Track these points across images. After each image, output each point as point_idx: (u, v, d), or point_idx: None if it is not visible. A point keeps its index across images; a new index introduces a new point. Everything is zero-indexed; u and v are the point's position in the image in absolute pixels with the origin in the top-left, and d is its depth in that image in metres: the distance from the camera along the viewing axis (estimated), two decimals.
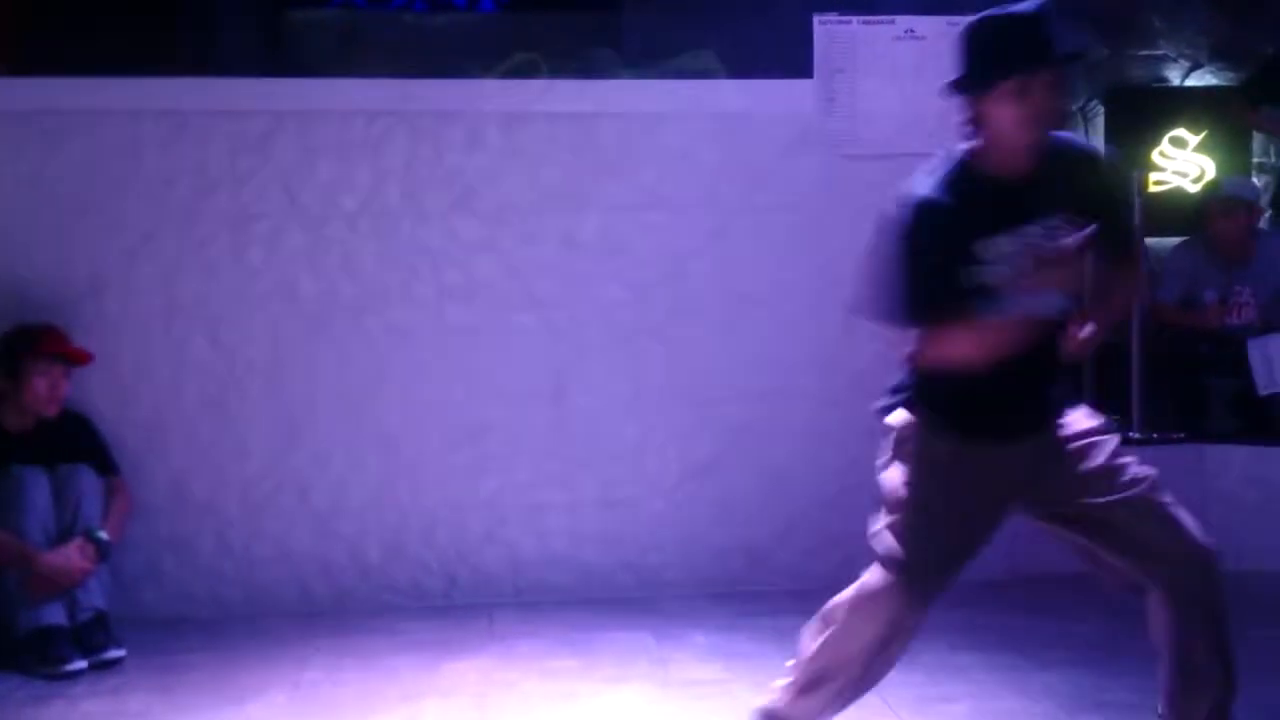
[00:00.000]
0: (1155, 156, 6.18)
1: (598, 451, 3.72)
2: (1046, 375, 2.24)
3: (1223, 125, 5.36)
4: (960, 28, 2.19)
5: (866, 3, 3.85)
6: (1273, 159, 4.59)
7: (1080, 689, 2.81)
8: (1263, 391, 4.13)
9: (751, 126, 3.76)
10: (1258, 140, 6.32)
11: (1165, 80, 6.59)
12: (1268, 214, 4.94)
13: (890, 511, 2.30)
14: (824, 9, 3.77)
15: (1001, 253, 2.10)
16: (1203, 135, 5.61)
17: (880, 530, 2.31)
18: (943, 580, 2.27)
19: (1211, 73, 6.55)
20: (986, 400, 2.19)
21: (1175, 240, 4.90)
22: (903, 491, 2.28)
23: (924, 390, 2.26)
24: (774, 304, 3.78)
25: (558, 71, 4.58)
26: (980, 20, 2.17)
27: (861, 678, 2.30)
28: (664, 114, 3.74)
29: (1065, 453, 2.22)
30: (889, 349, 2.27)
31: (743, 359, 3.76)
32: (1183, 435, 4.07)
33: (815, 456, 3.79)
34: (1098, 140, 6.49)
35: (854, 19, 3.77)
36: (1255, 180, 5.47)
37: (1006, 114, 2.08)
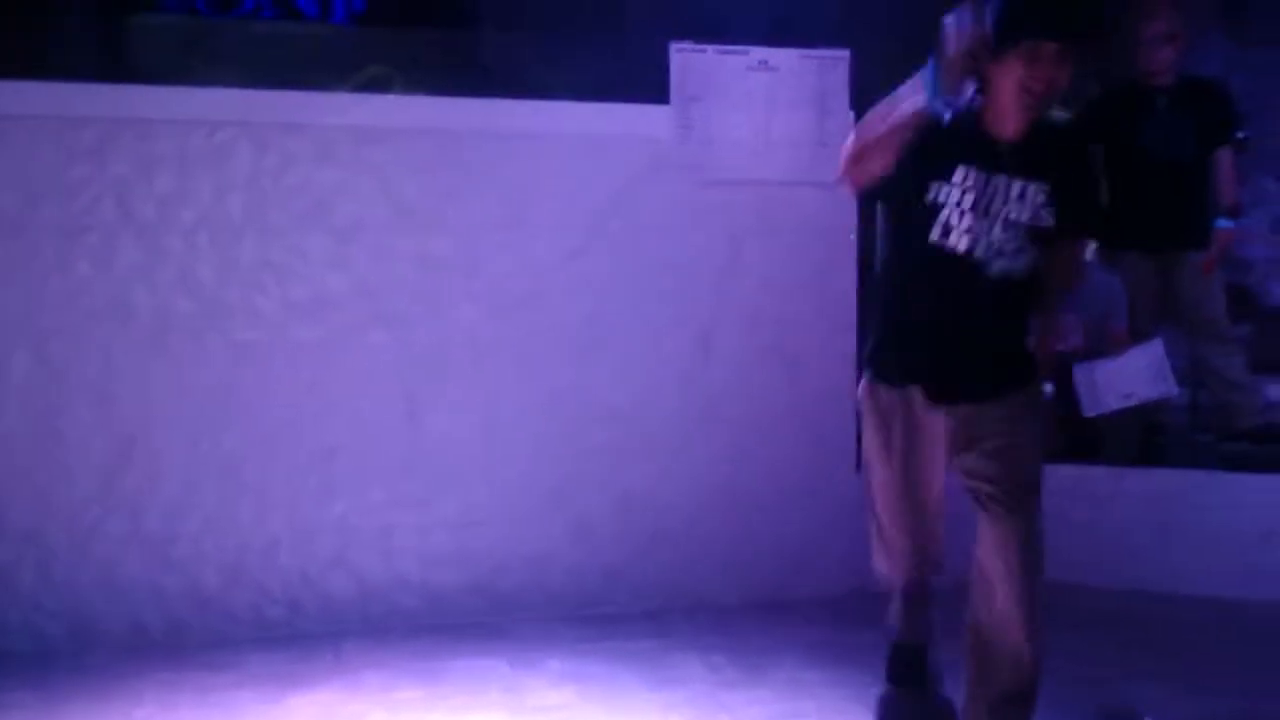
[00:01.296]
0: None
1: (451, 473, 3.65)
2: (974, 338, 2.48)
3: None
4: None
5: (722, 33, 3.92)
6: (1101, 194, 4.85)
7: None
8: (1087, 414, 4.35)
9: (609, 150, 3.78)
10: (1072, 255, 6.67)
11: None
12: (1094, 245, 5.20)
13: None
14: (681, 37, 3.82)
15: (962, 184, 2.37)
16: None
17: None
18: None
19: None
20: (909, 338, 2.52)
21: None
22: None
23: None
24: (631, 326, 3.79)
25: (412, 87, 4.51)
26: None
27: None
28: (521, 134, 3.72)
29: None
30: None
31: (599, 380, 3.76)
32: None
33: (671, 477, 3.81)
34: None
35: (710, 48, 3.83)
36: None
37: (1010, 79, 2.30)
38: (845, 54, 3.88)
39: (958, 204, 2.38)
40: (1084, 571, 4.04)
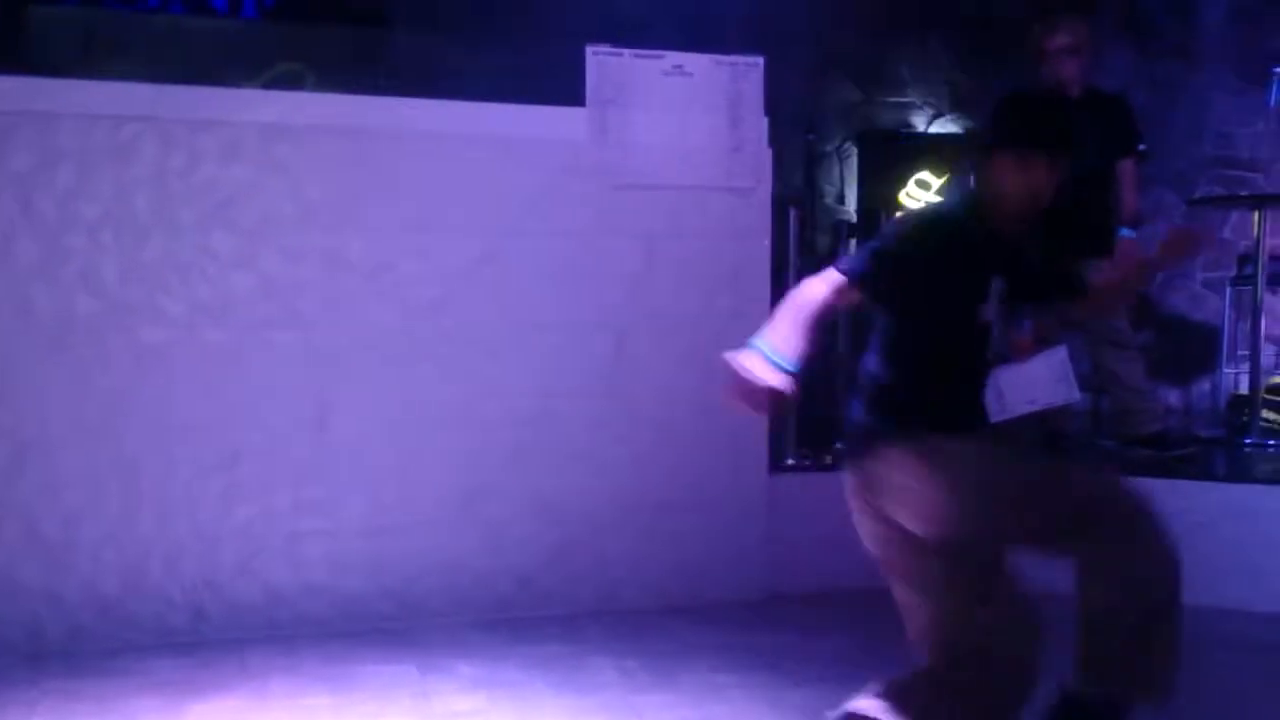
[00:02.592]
0: (902, 197, 6.57)
1: (362, 477, 3.61)
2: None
3: (962, 169, 5.75)
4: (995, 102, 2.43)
5: (638, 37, 3.93)
6: None
7: (831, 704, 2.89)
8: (994, 420, 4.43)
9: (523, 152, 3.76)
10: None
11: (912, 126, 7.04)
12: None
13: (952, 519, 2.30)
14: (597, 40, 3.82)
15: (997, 295, 2.37)
16: (945, 178, 6.02)
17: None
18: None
19: (952, 120, 7.05)
20: (949, 401, 2.48)
21: None
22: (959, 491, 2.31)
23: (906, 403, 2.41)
24: (545, 329, 3.78)
25: (324, 85, 4.45)
26: (1010, 93, 2.45)
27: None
28: (434, 134, 3.68)
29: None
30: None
31: (513, 383, 3.74)
32: None
33: (586, 481, 3.80)
34: (851, 179, 6.86)
35: (626, 52, 3.84)
36: None
37: (1002, 179, 2.31)
38: (759, 61, 3.91)
39: (998, 314, 2.42)
40: None
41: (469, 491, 3.70)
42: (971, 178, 2.42)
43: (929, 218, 2.44)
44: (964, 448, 2.36)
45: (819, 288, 2.26)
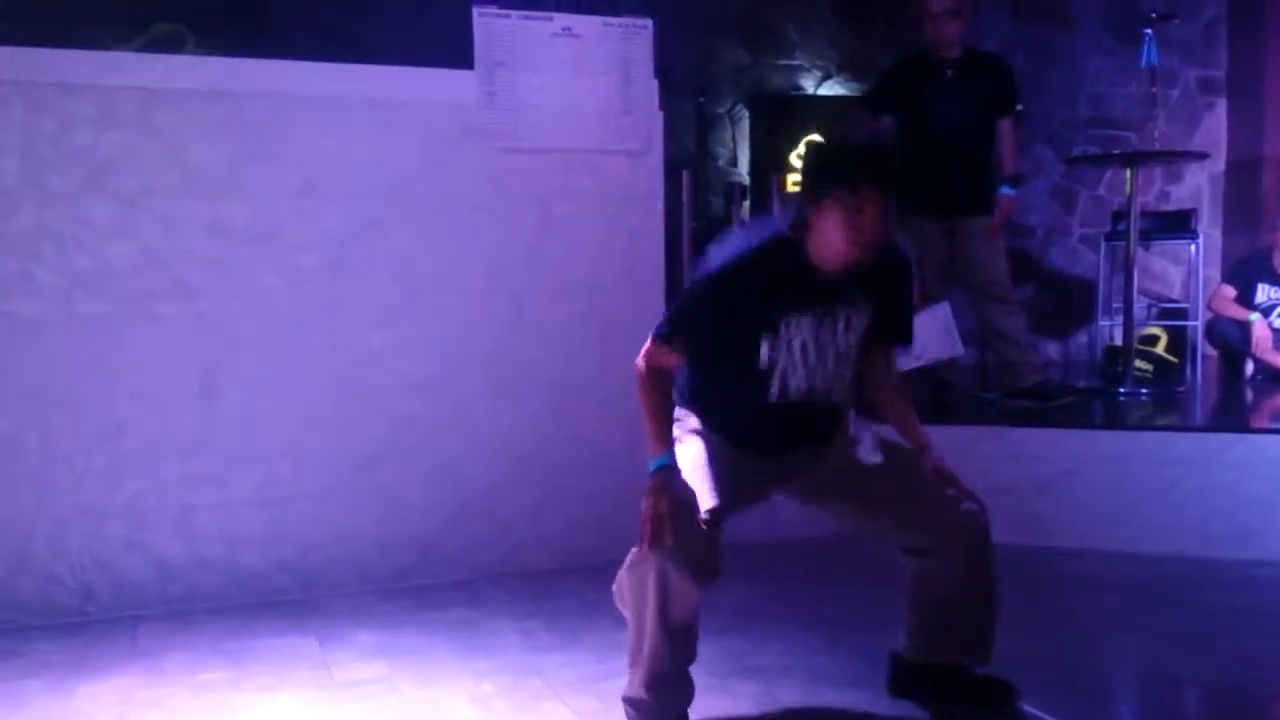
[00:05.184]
0: (792, 159, 6.65)
1: (252, 448, 3.54)
2: (811, 429, 2.55)
3: (850, 131, 5.85)
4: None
5: None
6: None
7: (729, 655, 2.98)
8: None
9: (411, 115, 3.70)
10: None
11: (801, 89, 7.12)
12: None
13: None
14: (483, 0, 3.77)
15: (790, 335, 2.39)
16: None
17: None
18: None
19: (840, 83, 7.15)
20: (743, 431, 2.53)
21: None
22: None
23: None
24: (437, 294, 3.75)
25: (204, 47, 4.31)
26: (821, 142, 2.57)
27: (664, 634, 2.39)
28: (319, 98, 3.60)
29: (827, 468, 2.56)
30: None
31: (406, 350, 3.71)
32: None
33: (482, 446, 3.80)
34: (743, 142, 6.92)
35: (513, 14, 3.80)
36: None
37: (830, 222, 2.30)
38: (649, 23, 3.91)
39: (791, 355, 2.41)
40: None
41: (363, 459, 3.66)
42: (787, 218, 2.41)
43: (736, 266, 2.39)
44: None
45: (658, 376, 2.47)
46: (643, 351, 2.48)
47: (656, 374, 2.47)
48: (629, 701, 2.48)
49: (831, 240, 2.31)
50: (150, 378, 3.43)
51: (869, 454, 2.53)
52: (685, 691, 2.48)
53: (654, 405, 2.45)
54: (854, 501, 2.59)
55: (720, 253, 2.41)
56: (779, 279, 2.37)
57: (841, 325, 2.43)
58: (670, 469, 2.39)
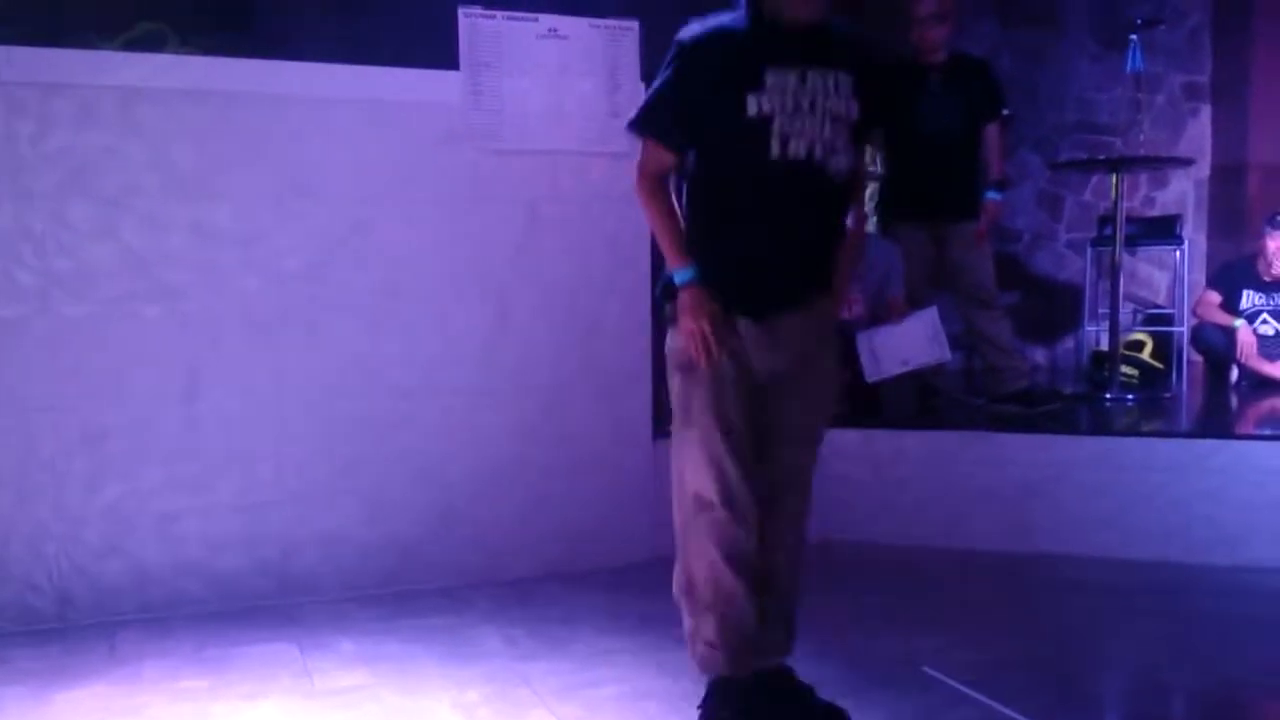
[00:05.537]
0: None
1: (235, 452, 3.51)
2: (810, 245, 2.42)
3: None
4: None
5: None
6: (877, 168, 5.06)
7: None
8: (869, 379, 4.55)
9: (396, 116, 3.67)
10: (866, 152, 6.93)
11: None
12: (873, 219, 5.43)
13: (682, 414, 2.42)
14: (469, 1, 3.74)
15: (777, 87, 2.28)
16: None
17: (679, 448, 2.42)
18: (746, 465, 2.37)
19: None
20: (747, 266, 2.39)
21: None
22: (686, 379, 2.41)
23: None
24: (423, 297, 3.72)
25: (188, 47, 4.27)
26: None
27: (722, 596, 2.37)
28: (303, 98, 3.57)
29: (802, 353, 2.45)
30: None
31: (391, 353, 3.68)
32: None
33: (467, 451, 3.77)
34: None
35: (499, 14, 3.77)
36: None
37: None
38: (634, 24, 3.89)
39: (784, 104, 2.28)
40: (866, 529, 4.24)
41: (347, 463, 3.63)
42: None
43: (695, 32, 2.33)
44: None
45: (658, 184, 2.40)
46: (637, 163, 2.41)
47: (656, 182, 2.40)
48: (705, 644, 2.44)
49: None
50: (132, 380, 3.39)
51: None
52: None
53: (664, 216, 2.39)
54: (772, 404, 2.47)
55: (687, 29, 2.35)
56: (751, 37, 2.31)
57: (831, 84, 2.30)
58: (696, 281, 2.35)
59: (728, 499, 2.35)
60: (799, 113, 2.29)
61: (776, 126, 2.28)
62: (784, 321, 2.42)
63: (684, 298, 2.36)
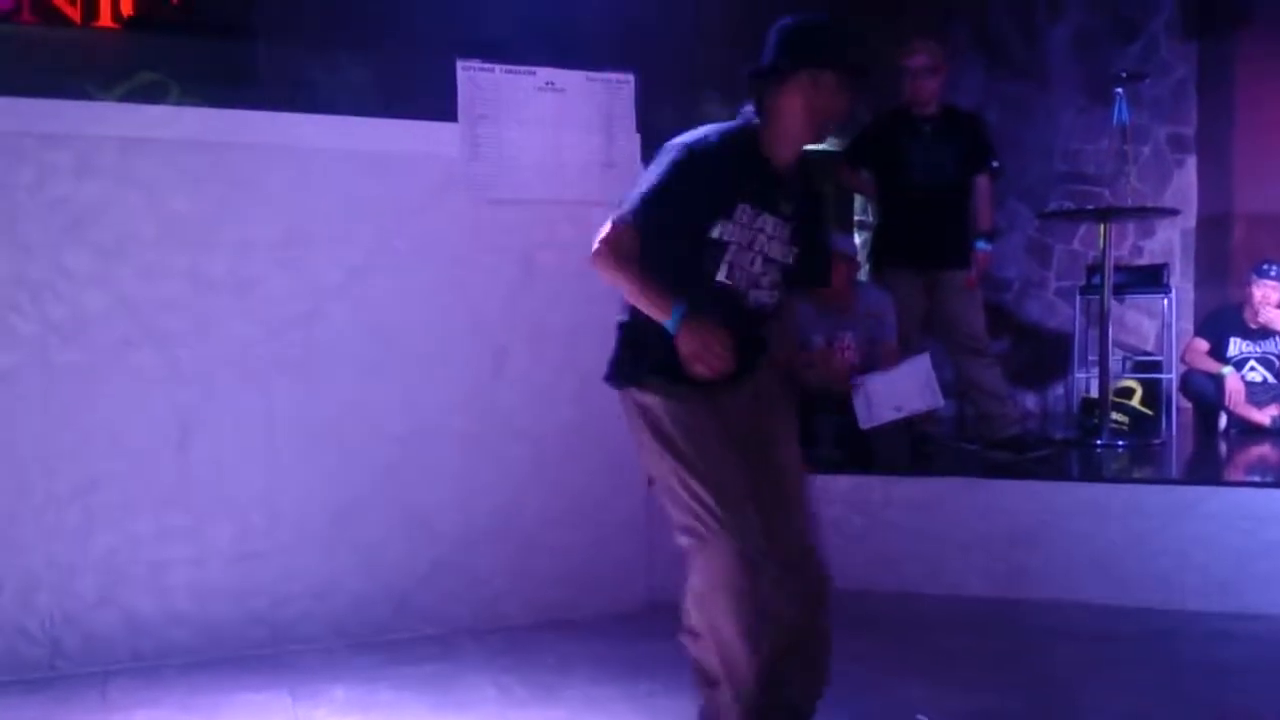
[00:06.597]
0: None
1: (228, 500, 3.51)
2: (741, 343, 2.42)
3: (830, 186, 5.90)
4: (775, 26, 2.46)
5: (509, 52, 3.92)
6: (869, 218, 5.11)
7: None
8: (863, 426, 4.57)
9: (394, 167, 3.72)
10: (858, 200, 7.02)
11: None
12: (865, 267, 5.49)
13: (671, 482, 2.41)
14: (467, 55, 3.80)
15: (740, 220, 2.39)
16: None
17: (675, 510, 2.42)
18: (749, 520, 2.37)
19: None
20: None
21: None
22: (667, 455, 2.42)
23: (633, 344, 2.50)
24: (418, 345, 3.74)
25: (188, 98, 4.32)
26: (791, 20, 2.44)
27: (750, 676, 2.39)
28: (302, 149, 3.61)
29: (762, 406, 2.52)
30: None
31: (385, 401, 3.69)
32: None
33: (461, 499, 3.77)
34: None
35: (497, 67, 3.83)
36: (855, 237, 6.07)
37: (793, 103, 2.37)
38: (630, 77, 3.95)
39: (739, 242, 2.40)
40: (858, 575, 4.23)
41: (339, 511, 3.63)
42: (753, 107, 2.45)
43: (701, 146, 2.40)
44: (667, 403, 2.43)
45: (626, 252, 2.38)
46: (602, 236, 2.40)
47: (622, 250, 2.39)
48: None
49: (789, 126, 2.39)
50: (126, 429, 3.39)
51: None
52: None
53: (637, 274, 2.37)
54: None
55: (689, 135, 2.42)
56: (740, 163, 2.40)
57: (781, 231, 2.44)
58: (691, 312, 2.32)
59: (723, 519, 2.35)
60: (749, 249, 2.43)
61: (729, 255, 2.41)
62: (727, 393, 2.49)
63: (684, 326, 2.33)
